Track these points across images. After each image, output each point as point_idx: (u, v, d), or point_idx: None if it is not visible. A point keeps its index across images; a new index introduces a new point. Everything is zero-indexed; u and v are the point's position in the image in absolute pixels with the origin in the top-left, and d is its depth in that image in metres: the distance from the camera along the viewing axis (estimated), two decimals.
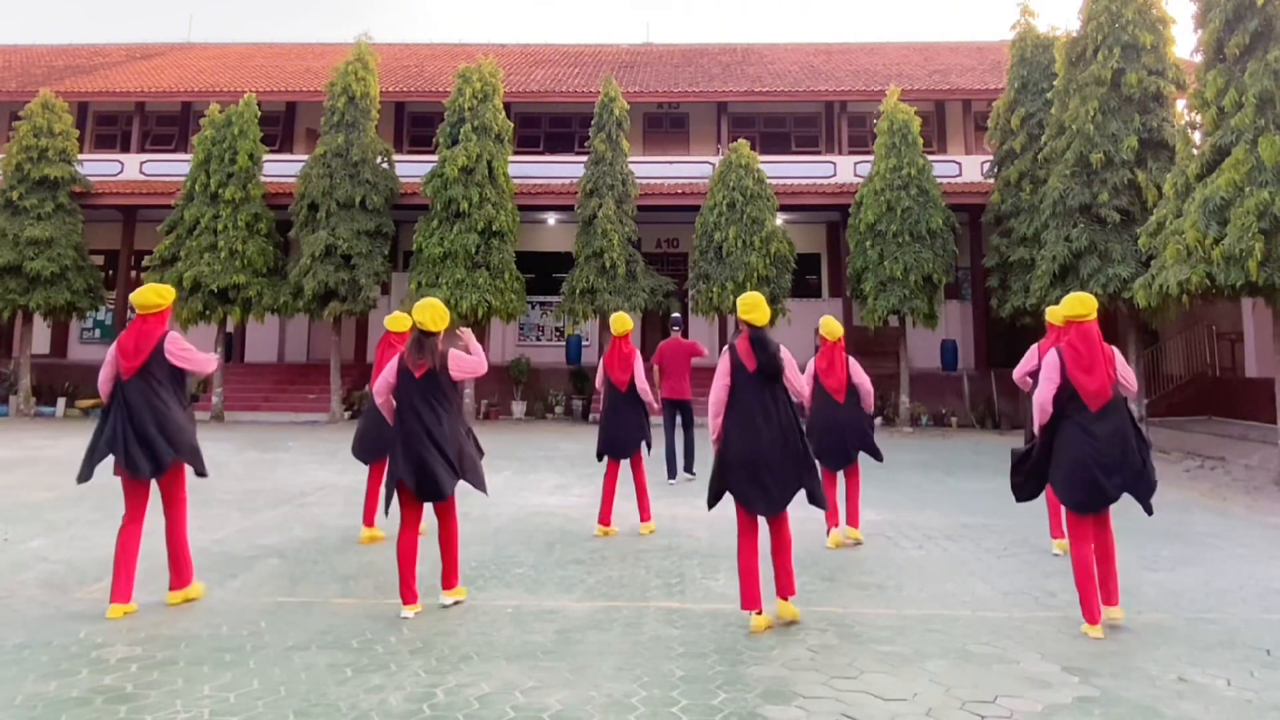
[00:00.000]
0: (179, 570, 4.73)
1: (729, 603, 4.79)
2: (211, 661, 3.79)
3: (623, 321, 6.87)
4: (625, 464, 6.80)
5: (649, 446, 6.83)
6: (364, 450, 6.40)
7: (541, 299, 20.05)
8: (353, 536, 6.47)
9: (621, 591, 5.06)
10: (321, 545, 6.18)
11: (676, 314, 11.17)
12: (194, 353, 4.71)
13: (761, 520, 4.48)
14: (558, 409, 18.29)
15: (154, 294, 4.67)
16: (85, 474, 4.59)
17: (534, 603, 4.79)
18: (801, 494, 4.45)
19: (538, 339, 20.58)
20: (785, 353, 4.50)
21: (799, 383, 4.59)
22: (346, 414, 17.55)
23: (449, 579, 4.73)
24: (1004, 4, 61.25)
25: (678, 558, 5.93)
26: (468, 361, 4.66)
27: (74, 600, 4.72)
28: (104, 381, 4.69)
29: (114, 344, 4.67)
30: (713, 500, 4.53)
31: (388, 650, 3.97)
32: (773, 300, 16.55)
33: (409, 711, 3.29)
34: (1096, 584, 4.37)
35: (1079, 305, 4.49)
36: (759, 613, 4.33)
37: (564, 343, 19.90)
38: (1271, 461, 10.32)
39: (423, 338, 4.58)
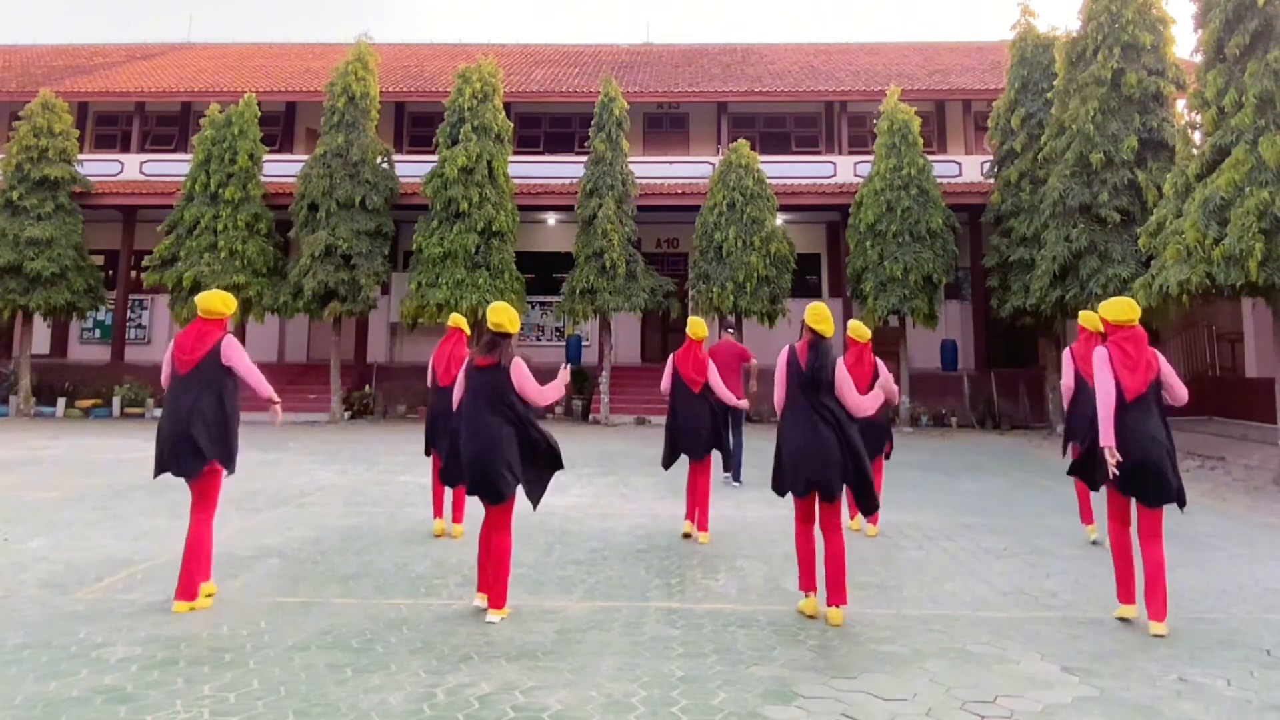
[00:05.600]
0: (190, 575, 4.54)
1: (729, 603, 4.80)
2: (211, 661, 3.79)
3: (701, 326, 6.84)
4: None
5: (723, 451, 6.78)
6: (429, 441, 6.60)
7: (541, 299, 20.05)
8: (353, 535, 6.48)
9: (621, 591, 5.05)
10: (321, 545, 6.18)
11: (731, 318, 11.09)
12: (246, 363, 4.79)
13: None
14: (558, 409, 18.29)
15: (219, 301, 4.85)
16: (156, 471, 4.75)
17: (534, 603, 4.79)
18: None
19: (538, 339, 20.59)
20: (841, 371, 4.61)
21: (853, 398, 4.62)
22: (346, 414, 17.55)
23: (495, 599, 4.48)
24: (1004, 4, 61.27)
25: (678, 558, 5.92)
26: (530, 381, 4.60)
27: (74, 600, 4.72)
28: (164, 379, 4.85)
29: (173, 340, 4.82)
30: (778, 489, 4.74)
31: (388, 650, 3.97)
32: (773, 300, 16.57)
33: (409, 711, 3.29)
34: (1134, 566, 4.53)
35: (1126, 311, 4.57)
36: (810, 595, 4.60)
37: (564, 343, 19.89)
38: (1271, 461, 10.32)
39: (497, 338, 4.63)
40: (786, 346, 4.77)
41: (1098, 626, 4.43)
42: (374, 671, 3.70)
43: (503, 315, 4.66)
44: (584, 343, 19.58)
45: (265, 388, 4.84)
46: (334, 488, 8.83)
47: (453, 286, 16.11)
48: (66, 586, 5.00)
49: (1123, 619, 4.51)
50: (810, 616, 4.55)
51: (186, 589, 4.54)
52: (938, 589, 5.16)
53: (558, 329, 20.28)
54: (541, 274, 20.16)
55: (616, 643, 4.12)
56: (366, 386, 18.65)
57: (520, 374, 4.59)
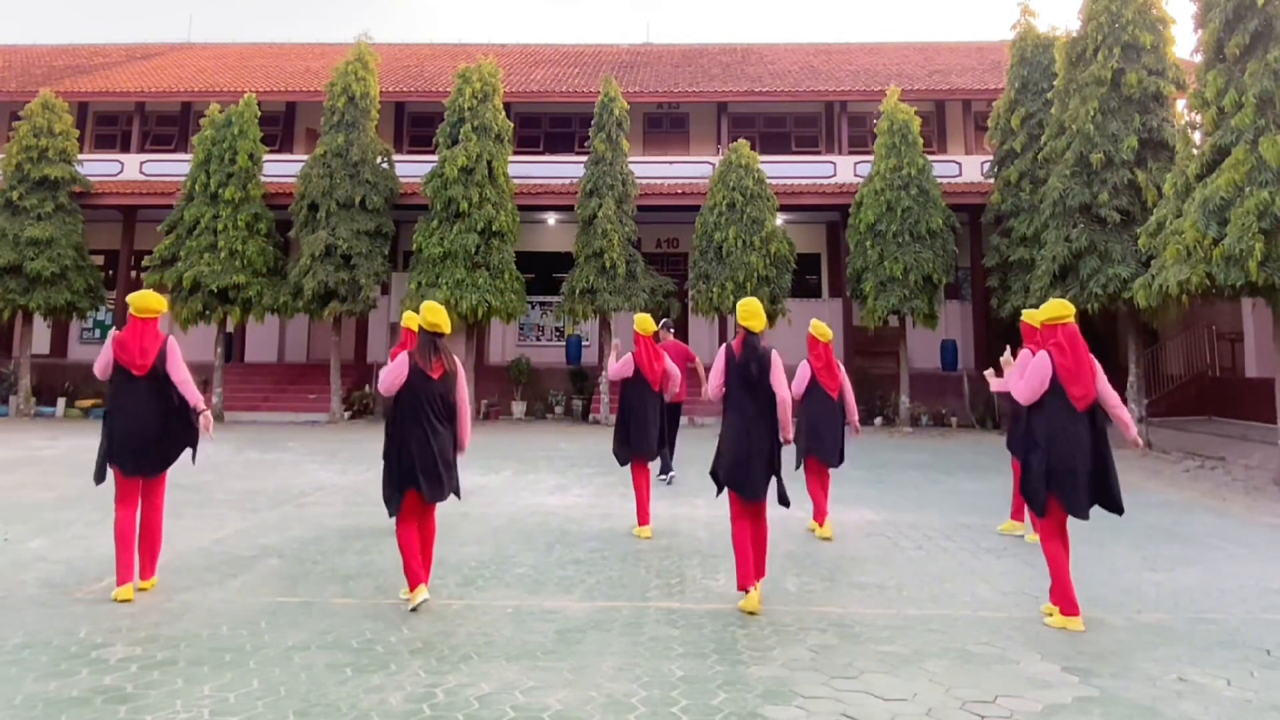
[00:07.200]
0: (153, 559, 4.90)
1: (729, 602, 4.80)
2: (211, 661, 3.79)
3: (650, 321, 6.91)
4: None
5: (671, 451, 6.74)
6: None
7: (541, 299, 20.04)
8: (353, 535, 6.47)
9: (621, 591, 5.06)
10: (321, 545, 6.18)
11: (666, 318, 11.32)
12: (184, 370, 5.00)
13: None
14: (558, 409, 18.29)
15: (154, 300, 4.99)
16: (100, 475, 4.85)
17: (534, 603, 4.79)
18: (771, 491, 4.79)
19: (538, 339, 20.57)
20: (775, 358, 4.80)
21: (783, 389, 4.79)
22: (346, 414, 17.54)
23: (427, 574, 4.74)
24: (1004, 4, 61.27)
25: (678, 558, 5.93)
26: (463, 384, 4.85)
27: (74, 600, 4.72)
28: (101, 370, 4.95)
29: (111, 341, 4.91)
30: (719, 487, 4.88)
31: (388, 650, 3.97)
32: (773, 300, 16.55)
33: (409, 711, 3.29)
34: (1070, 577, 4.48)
35: (1059, 308, 4.61)
36: (748, 591, 4.66)
37: (564, 343, 19.89)
38: (1271, 461, 10.32)
39: (437, 340, 4.67)
40: (724, 345, 4.89)
41: (1098, 626, 4.42)
42: (374, 671, 3.70)
43: (440, 315, 4.69)
44: (584, 343, 19.57)
45: (195, 397, 4.97)
46: (334, 488, 8.83)
47: (453, 286, 16.09)
48: (66, 586, 5.00)
49: (1059, 627, 4.39)
50: (752, 614, 4.54)
51: (148, 567, 4.84)
52: (938, 589, 5.16)
53: (558, 329, 20.27)
54: (541, 274, 20.14)
55: (616, 643, 4.12)
56: (366, 386, 18.65)
57: (462, 377, 4.78)
